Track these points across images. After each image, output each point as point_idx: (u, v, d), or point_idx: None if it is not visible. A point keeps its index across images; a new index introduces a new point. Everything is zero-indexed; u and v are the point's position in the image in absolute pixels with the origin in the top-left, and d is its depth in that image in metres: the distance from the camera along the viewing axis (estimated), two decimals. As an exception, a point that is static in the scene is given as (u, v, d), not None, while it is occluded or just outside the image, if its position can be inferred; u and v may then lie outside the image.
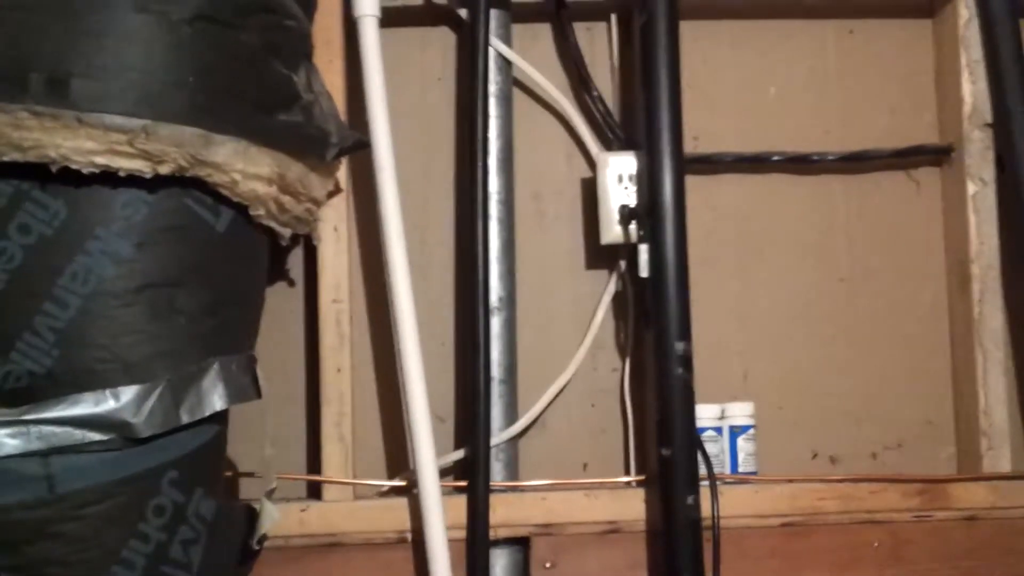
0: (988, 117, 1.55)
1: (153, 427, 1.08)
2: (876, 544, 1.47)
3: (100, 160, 1.05)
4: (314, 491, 1.47)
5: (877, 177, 1.63)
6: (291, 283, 1.52)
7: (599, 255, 1.57)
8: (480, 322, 1.43)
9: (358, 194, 1.51)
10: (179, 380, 1.11)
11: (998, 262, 1.55)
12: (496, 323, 1.49)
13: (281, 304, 1.51)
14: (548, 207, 1.59)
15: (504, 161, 1.53)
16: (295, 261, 1.52)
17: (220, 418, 1.20)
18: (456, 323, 1.56)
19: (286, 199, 1.21)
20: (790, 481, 1.48)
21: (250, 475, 1.42)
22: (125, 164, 1.06)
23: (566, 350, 1.56)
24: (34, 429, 1.04)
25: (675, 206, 1.39)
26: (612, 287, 1.56)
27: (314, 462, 1.48)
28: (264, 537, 1.32)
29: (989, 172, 1.55)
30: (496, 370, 1.48)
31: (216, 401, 1.14)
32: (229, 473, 1.39)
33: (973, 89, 1.55)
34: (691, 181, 1.43)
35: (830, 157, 1.59)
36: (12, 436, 1.04)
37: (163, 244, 1.11)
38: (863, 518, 1.47)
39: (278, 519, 1.31)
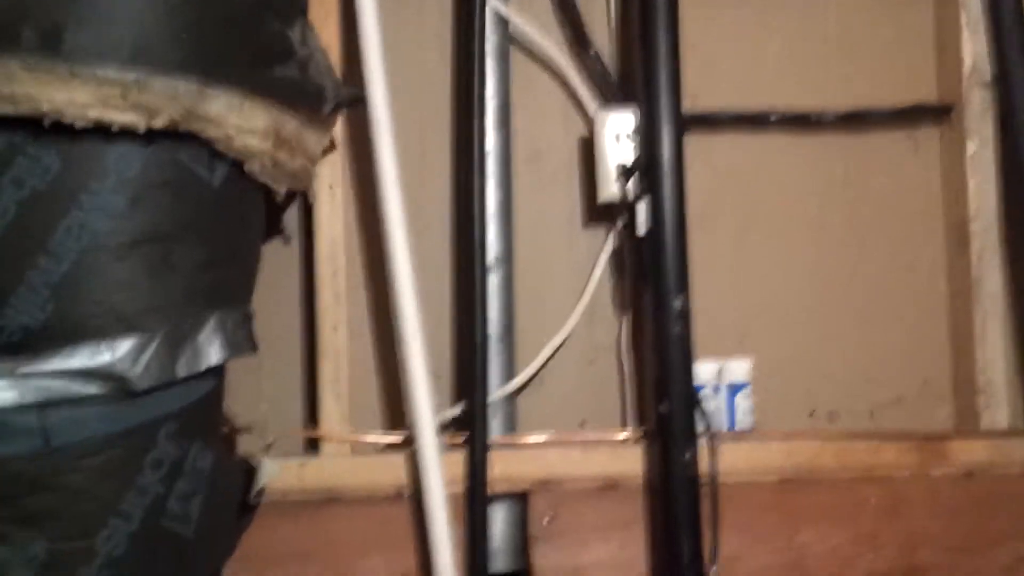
0: (988, 76, 1.54)
1: (149, 380, 1.08)
2: (873, 500, 1.48)
3: (93, 113, 1.04)
4: (312, 447, 1.47)
5: (876, 137, 1.63)
6: (287, 241, 1.51)
7: (597, 213, 1.57)
8: (477, 279, 1.43)
9: (354, 152, 1.50)
10: (175, 334, 1.11)
11: (997, 222, 1.55)
12: (493, 281, 1.50)
13: (278, 262, 1.51)
14: (545, 165, 1.59)
15: (501, 119, 1.52)
16: (291, 219, 1.52)
17: (217, 372, 1.20)
18: (453, 281, 1.56)
19: (281, 154, 1.21)
20: (787, 437, 1.49)
21: (248, 431, 1.43)
22: (118, 117, 1.05)
23: (564, 308, 1.56)
24: (29, 382, 1.04)
25: (673, 161, 1.38)
26: (610, 245, 1.55)
27: (312, 419, 1.49)
28: (262, 491, 1.33)
29: (989, 131, 1.55)
30: (493, 327, 1.48)
31: (213, 355, 1.14)
32: (227, 428, 1.39)
33: (973, 48, 1.55)
34: (690, 141, 1.42)
35: (829, 116, 1.59)
36: (7, 388, 1.03)
37: (158, 199, 1.10)
38: (860, 474, 1.48)
39: (276, 473, 1.32)
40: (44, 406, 1.05)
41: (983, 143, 1.54)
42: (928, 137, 1.62)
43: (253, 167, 1.18)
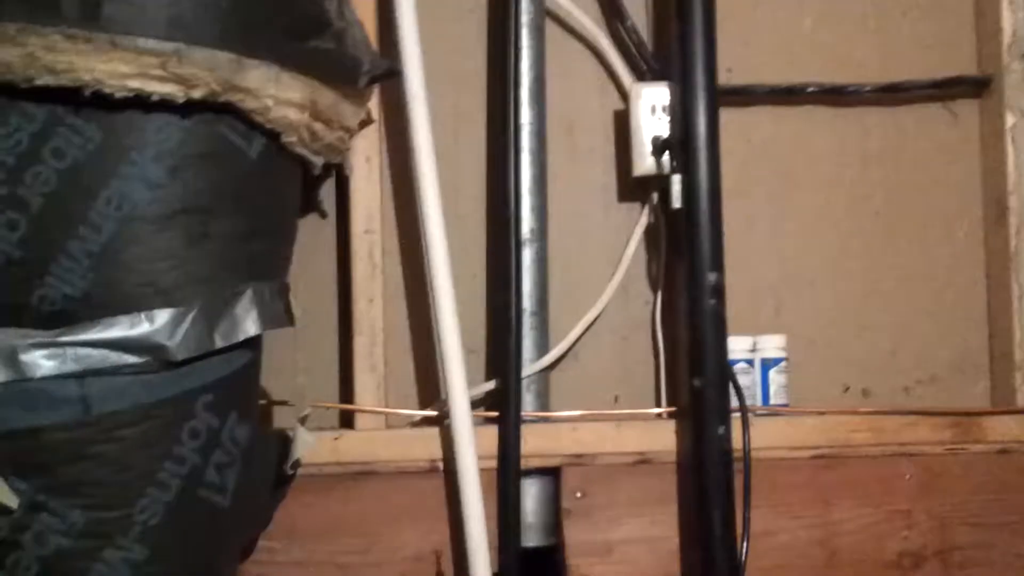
0: (1028, 47, 1.53)
1: (187, 350, 1.09)
2: (908, 476, 1.48)
3: (133, 84, 1.05)
4: (346, 421, 1.48)
5: (913, 109, 1.61)
6: (323, 214, 1.51)
7: (631, 188, 1.56)
8: (512, 254, 1.42)
9: (390, 126, 1.50)
10: (213, 305, 1.12)
11: (1036, 195, 1.54)
12: (527, 255, 1.49)
13: (313, 235, 1.51)
14: (580, 139, 1.58)
15: (536, 92, 1.51)
16: (327, 193, 1.52)
17: (254, 344, 1.20)
18: (487, 256, 1.56)
19: (318, 126, 1.21)
20: (822, 413, 1.48)
21: (284, 403, 1.43)
22: (157, 88, 1.06)
23: (598, 283, 1.55)
24: (69, 351, 1.05)
25: (708, 136, 1.38)
26: (644, 220, 1.55)
27: (346, 393, 1.49)
28: (298, 463, 1.33)
29: (1028, 103, 1.54)
30: (527, 302, 1.48)
31: (250, 326, 1.15)
32: (263, 402, 1.40)
33: (1013, 18, 1.54)
34: (725, 114, 1.42)
35: (866, 89, 1.57)
36: (48, 358, 1.05)
37: (196, 170, 1.11)
38: (895, 450, 1.47)
39: (312, 444, 1.33)
40: (84, 375, 1.06)
41: (1022, 116, 1.53)
42: (966, 109, 1.61)
43: (290, 139, 1.19)
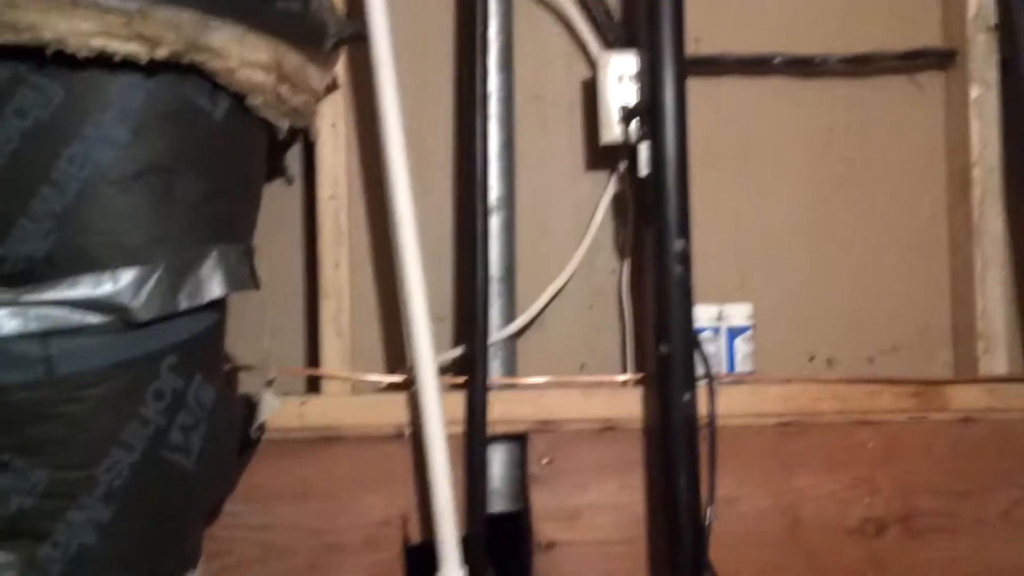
0: (993, 20, 1.54)
1: (151, 311, 1.09)
2: (870, 444, 1.49)
3: (96, 43, 1.04)
4: (313, 386, 1.48)
5: (880, 81, 1.62)
6: (290, 181, 1.51)
7: (599, 156, 1.57)
8: (479, 220, 1.43)
9: (357, 92, 1.50)
10: (177, 266, 1.11)
11: (999, 166, 1.55)
12: (495, 222, 1.50)
13: (280, 202, 1.51)
14: (548, 108, 1.58)
15: (504, 60, 1.52)
16: (294, 159, 1.52)
17: (219, 307, 1.20)
18: (454, 223, 1.56)
19: (284, 89, 1.21)
20: (787, 381, 1.49)
21: (249, 368, 1.43)
22: (121, 47, 1.05)
23: (565, 251, 1.56)
24: (32, 310, 1.05)
25: (676, 104, 1.38)
26: (612, 188, 1.55)
27: (313, 358, 1.49)
28: (263, 426, 1.34)
29: (993, 75, 1.55)
30: (495, 269, 1.49)
31: (214, 288, 1.15)
32: (229, 366, 1.39)
33: (978, -9, 1.55)
34: (692, 84, 1.42)
35: (833, 60, 1.58)
36: (10, 316, 1.04)
37: (160, 131, 1.11)
38: (858, 419, 1.49)
39: (277, 407, 1.33)
40: (47, 335, 1.05)
41: (987, 88, 1.54)
42: (932, 82, 1.62)
43: (255, 101, 1.18)
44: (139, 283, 1.08)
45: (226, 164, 1.19)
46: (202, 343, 1.17)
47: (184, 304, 1.12)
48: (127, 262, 1.08)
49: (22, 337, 1.04)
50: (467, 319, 1.44)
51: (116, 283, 1.07)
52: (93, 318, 1.07)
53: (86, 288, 1.06)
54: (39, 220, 1.06)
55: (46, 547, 1.08)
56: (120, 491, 1.10)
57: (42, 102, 1.07)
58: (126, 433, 1.10)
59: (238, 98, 1.17)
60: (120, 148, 1.08)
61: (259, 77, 1.16)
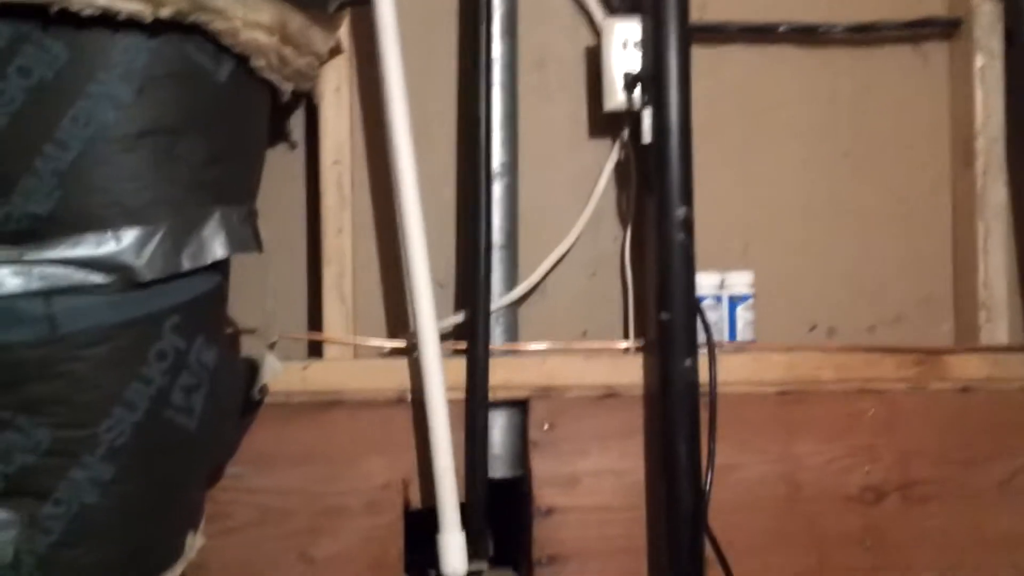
0: (998, -11, 1.54)
1: (154, 271, 1.09)
2: (871, 413, 1.49)
3: (100, 1, 1.04)
4: (315, 351, 1.49)
5: (884, 51, 1.62)
6: (293, 145, 1.51)
7: (602, 124, 1.57)
8: (482, 186, 1.43)
9: (360, 57, 1.49)
10: (180, 226, 1.11)
11: (1003, 136, 1.55)
12: (497, 189, 1.50)
13: (283, 166, 1.51)
14: (552, 74, 1.58)
15: (508, 26, 1.51)
16: (297, 124, 1.51)
17: (221, 269, 1.20)
18: (457, 189, 1.56)
19: (287, 51, 1.21)
20: (788, 350, 1.50)
21: (252, 331, 1.43)
22: (125, 6, 1.05)
23: (567, 218, 1.56)
24: (35, 269, 1.05)
25: (680, 70, 1.38)
26: (615, 156, 1.55)
27: (315, 323, 1.50)
28: (265, 388, 1.34)
29: (997, 45, 1.55)
30: (497, 235, 1.49)
31: (217, 249, 1.15)
32: (231, 330, 1.40)
33: (983, -40, 1.54)
34: (697, 51, 1.42)
35: (837, 28, 1.58)
36: (14, 275, 1.04)
37: (164, 91, 1.11)
38: (859, 387, 1.49)
39: (279, 370, 1.33)
40: (50, 293, 1.05)
41: (991, 58, 1.54)
42: (936, 51, 1.62)
43: (259, 63, 1.18)
44: (142, 243, 1.08)
45: (229, 126, 1.19)
46: (204, 304, 1.17)
47: (187, 265, 1.12)
48: (130, 222, 1.08)
49: (25, 295, 1.04)
50: (469, 285, 1.44)
51: (119, 243, 1.07)
52: (96, 277, 1.07)
53: (89, 247, 1.06)
54: (43, 178, 1.06)
55: (48, 505, 1.08)
56: (122, 450, 1.10)
57: (46, 61, 1.06)
58: (128, 393, 1.10)
59: (242, 59, 1.17)
60: (124, 108, 1.08)
61: (263, 38, 1.16)
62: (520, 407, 1.48)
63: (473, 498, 1.41)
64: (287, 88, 1.25)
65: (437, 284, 1.49)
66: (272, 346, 1.32)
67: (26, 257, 1.05)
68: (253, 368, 1.33)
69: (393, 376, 1.43)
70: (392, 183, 1.39)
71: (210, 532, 1.34)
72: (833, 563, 1.48)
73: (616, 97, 1.48)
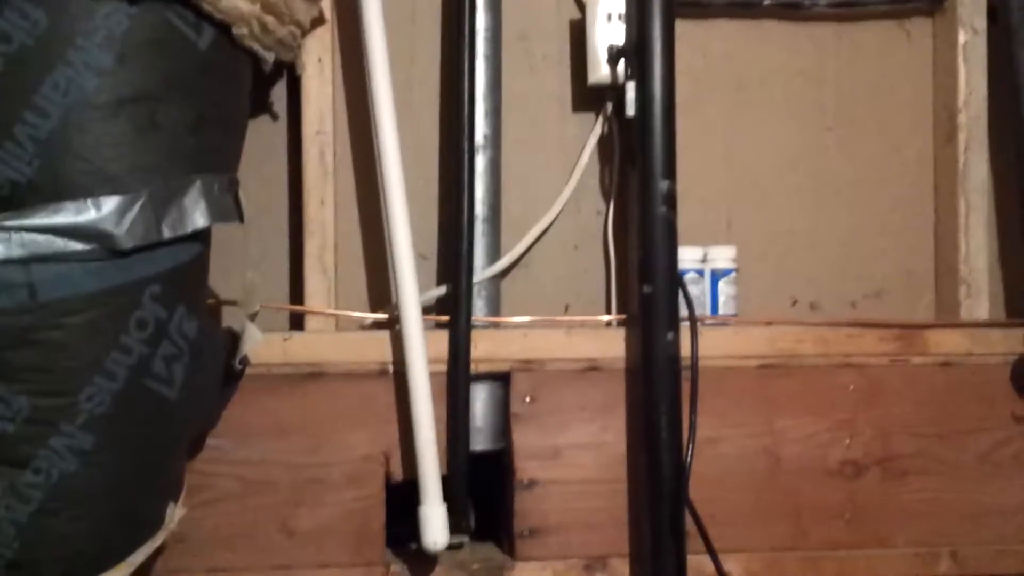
0: (982, -35, 1.54)
1: (134, 239, 1.08)
2: (852, 387, 1.50)
3: (80, -33, 1.04)
4: (297, 323, 1.48)
5: (868, 26, 1.62)
6: (275, 117, 1.51)
7: (586, 98, 1.56)
8: (464, 159, 1.42)
9: (343, 29, 1.49)
10: (161, 195, 1.11)
11: (985, 113, 1.56)
12: (480, 161, 1.49)
13: (265, 138, 1.51)
14: (536, 47, 1.58)
15: (492, -2, 1.51)
16: (279, 96, 1.51)
17: (202, 238, 1.20)
18: (440, 163, 1.56)
19: (269, 19, 1.20)
20: (769, 324, 1.50)
21: (233, 303, 1.43)
22: (105, -29, 1.05)
23: (550, 192, 1.56)
24: (15, 236, 1.04)
25: (664, 43, 1.38)
26: (598, 130, 1.55)
27: (297, 295, 1.49)
28: (246, 359, 1.33)
29: (981, 22, 1.55)
30: (480, 208, 1.48)
31: (198, 218, 1.15)
32: (212, 301, 1.39)
33: (967, -65, 1.54)
34: (681, 26, 1.42)
35: (821, 3, 1.58)
36: (-7, 242, 1.04)
37: (144, 58, 1.10)
38: (840, 361, 1.50)
39: (260, 340, 1.33)
40: (29, 261, 1.05)
41: (975, 34, 1.54)
42: (920, 27, 1.62)
43: (241, 31, 1.18)
44: (122, 211, 1.08)
45: (210, 94, 1.18)
46: (185, 274, 1.17)
47: (167, 233, 1.11)
48: (110, 190, 1.08)
49: (5, 262, 1.04)
50: (452, 258, 1.44)
51: (99, 210, 1.07)
52: (76, 245, 1.06)
53: (69, 214, 1.06)
54: (22, 146, 1.05)
55: (28, 474, 1.08)
56: (102, 419, 1.10)
57: (26, 27, 1.06)
58: (108, 361, 1.09)
59: (223, 27, 1.16)
60: (104, 75, 1.07)
61: (244, 6, 1.16)
62: (502, 380, 1.47)
63: (455, 471, 1.41)
64: (269, 57, 1.25)
65: (420, 256, 1.49)
66: (253, 317, 1.31)
67: (6, 224, 1.04)
68: (234, 338, 1.33)
69: (375, 349, 1.43)
70: (375, 155, 1.39)
71: (191, 503, 1.35)
72: (813, 536, 1.49)
73: (600, 70, 1.47)
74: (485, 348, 1.44)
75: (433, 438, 1.37)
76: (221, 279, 1.39)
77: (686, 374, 1.40)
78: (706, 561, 1.40)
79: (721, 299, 1.52)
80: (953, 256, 1.56)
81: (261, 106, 1.48)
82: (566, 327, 1.48)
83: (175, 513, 1.26)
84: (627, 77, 1.41)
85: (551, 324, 1.49)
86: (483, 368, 1.44)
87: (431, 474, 1.37)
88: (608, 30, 1.47)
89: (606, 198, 1.57)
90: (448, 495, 1.38)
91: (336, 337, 1.44)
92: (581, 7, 1.53)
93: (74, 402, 1.08)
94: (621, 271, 1.56)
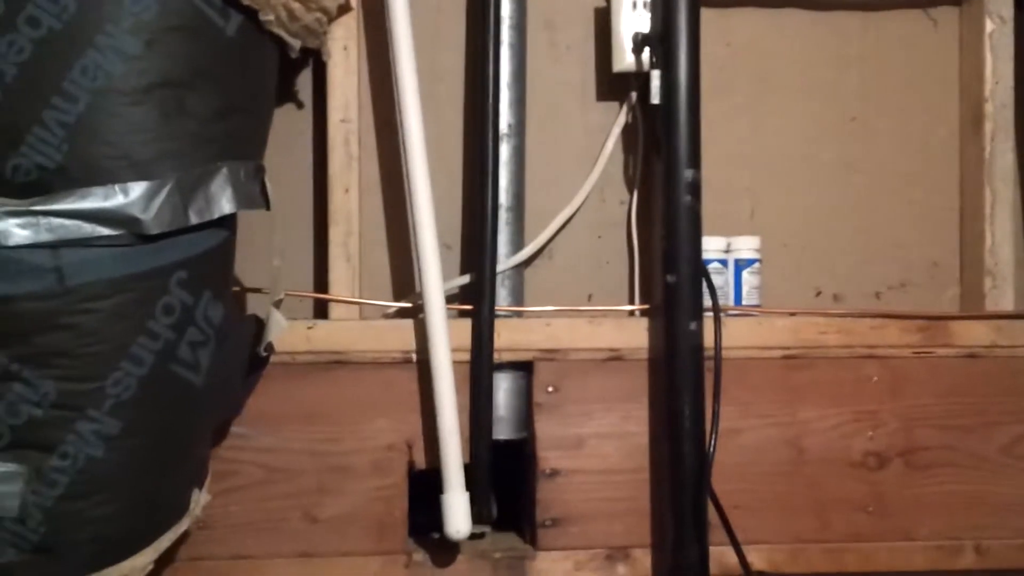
0: (1009, -47, 1.53)
1: (161, 225, 1.09)
2: (875, 379, 1.49)
3: (109, -48, 1.04)
4: (321, 311, 1.48)
5: (894, 14, 1.62)
6: (300, 104, 1.51)
7: (610, 86, 1.56)
8: (489, 148, 1.42)
9: (369, 16, 1.49)
10: (188, 181, 1.11)
11: (1012, 102, 1.55)
12: (505, 150, 1.49)
13: (290, 125, 1.51)
14: (560, 35, 1.57)
15: (517, -14, 1.51)
16: (304, 83, 1.51)
17: (229, 224, 1.20)
18: (464, 150, 1.56)
19: (296, 5, 1.20)
20: (793, 314, 1.49)
21: (258, 291, 1.43)
22: (134, -43, 1.05)
23: (574, 181, 1.56)
24: (43, 220, 1.04)
25: (689, 31, 1.37)
26: (623, 119, 1.55)
27: (321, 284, 1.49)
28: (271, 346, 1.34)
29: (1008, 10, 1.54)
30: (504, 197, 1.48)
31: (224, 204, 1.15)
32: (237, 288, 1.39)
33: (995, -77, 1.53)
34: (706, 14, 1.41)
35: (848, -8, 1.58)
36: (22, 227, 1.04)
37: (172, 44, 1.10)
38: (864, 353, 1.49)
39: (285, 327, 1.33)
40: (57, 246, 1.05)
41: (1002, 23, 1.53)
42: (946, 16, 1.61)
43: (268, 17, 1.18)
44: (149, 196, 1.08)
45: (237, 80, 1.18)
46: (211, 260, 1.17)
47: (194, 219, 1.12)
48: (137, 175, 1.08)
49: (33, 247, 1.04)
50: (475, 247, 1.44)
51: (127, 196, 1.07)
52: (103, 230, 1.06)
53: (97, 200, 1.06)
54: (51, 131, 1.05)
55: (54, 458, 1.08)
56: (128, 405, 1.10)
57: (55, 12, 1.06)
58: (135, 346, 1.10)
59: (250, 13, 1.16)
60: (132, 60, 1.08)
61: (272, -8, 1.16)
62: (525, 369, 1.47)
63: (477, 460, 1.41)
64: (296, 44, 1.25)
65: (444, 245, 1.49)
66: (278, 304, 1.32)
67: (34, 208, 1.05)
68: (259, 326, 1.33)
69: (399, 337, 1.43)
70: (400, 143, 1.39)
71: (215, 490, 1.35)
72: (835, 527, 1.48)
73: (625, 58, 1.47)
74: (508, 337, 1.43)
75: (456, 427, 1.37)
76: (245, 266, 1.40)
77: (709, 364, 1.39)
78: (729, 552, 1.40)
79: (744, 289, 1.51)
80: (978, 247, 1.55)
81: (287, 93, 1.48)
82: (589, 316, 1.48)
83: (200, 499, 1.27)
84: (652, 65, 1.41)
85: (574, 313, 1.49)
86: (506, 357, 1.44)
87: (454, 463, 1.37)
88: (633, 18, 1.47)
89: (630, 187, 1.57)
90: (470, 484, 1.38)
91: (360, 325, 1.44)
92: (607, -6, 1.52)
93: (101, 387, 1.08)
94: (644, 260, 1.56)
